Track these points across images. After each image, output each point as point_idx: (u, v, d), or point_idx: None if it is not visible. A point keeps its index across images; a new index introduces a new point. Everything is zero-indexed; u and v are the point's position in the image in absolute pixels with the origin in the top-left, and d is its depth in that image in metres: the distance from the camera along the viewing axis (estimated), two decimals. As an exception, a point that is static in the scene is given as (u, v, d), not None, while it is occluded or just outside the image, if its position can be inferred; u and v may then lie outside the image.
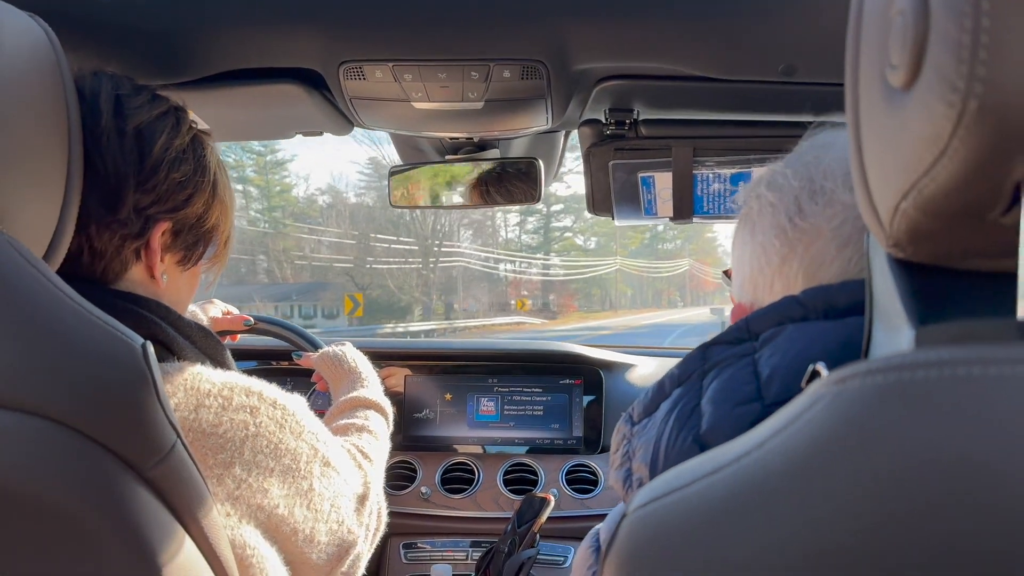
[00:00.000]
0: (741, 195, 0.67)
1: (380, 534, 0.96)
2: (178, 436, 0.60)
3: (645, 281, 64.15)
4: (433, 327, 27.52)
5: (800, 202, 0.60)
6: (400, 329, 23.34)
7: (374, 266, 34.50)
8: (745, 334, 0.56)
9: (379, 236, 36.26)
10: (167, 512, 0.60)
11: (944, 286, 0.38)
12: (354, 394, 1.13)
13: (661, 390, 0.58)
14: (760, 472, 0.32)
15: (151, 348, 0.59)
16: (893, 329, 0.39)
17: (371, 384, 1.19)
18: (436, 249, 38.14)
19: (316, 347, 1.41)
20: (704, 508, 0.33)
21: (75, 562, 0.55)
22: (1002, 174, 0.30)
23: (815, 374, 0.43)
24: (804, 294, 0.55)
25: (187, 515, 0.61)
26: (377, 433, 1.07)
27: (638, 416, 0.59)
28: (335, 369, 1.22)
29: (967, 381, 0.28)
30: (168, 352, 0.77)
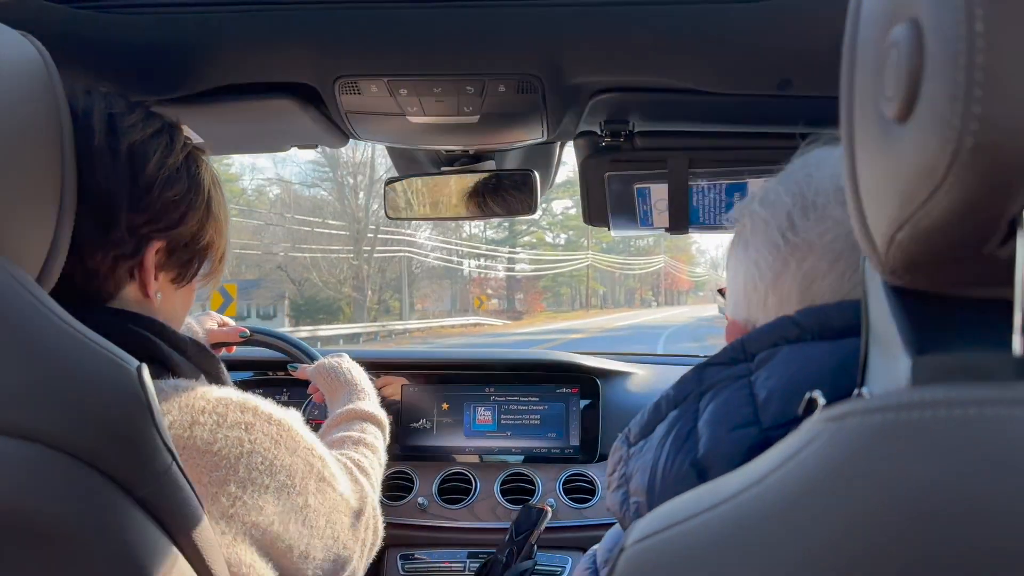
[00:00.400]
0: (735, 213, 0.67)
1: (376, 548, 0.96)
2: (173, 458, 0.60)
3: (618, 279, 61.57)
4: (359, 331, 21.92)
5: (792, 218, 0.60)
6: (322, 333, 18.78)
7: (291, 255, 28.62)
8: (740, 354, 0.56)
9: (300, 218, 30.06)
10: (162, 533, 0.59)
11: (941, 314, 0.38)
12: (350, 406, 1.13)
13: (657, 411, 0.58)
14: (758, 508, 0.32)
15: (146, 371, 0.59)
16: (889, 356, 0.39)
17: (368, 396, 1.19)
18: (371, 236, 30.81)
19: (312, 358, 1.41)
20: (703, 543, 0.33)
21: None
22: (998, 209, 0.30)
23: (812, 402, 0.43)
24: (800, 314, 0.55)
25: (182, 535, 0.61)
26: (374, 446, 1.07)
27: (635, 437, 0.59)
28: (331, 381, 1.22)
29: (965, 422, 0.28)
30: (163, 369, 0.77)
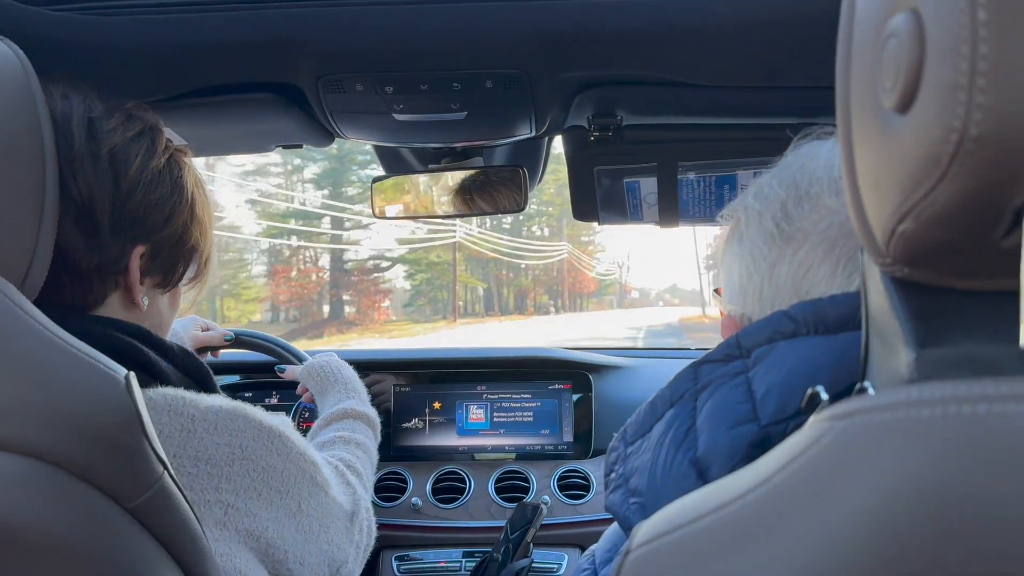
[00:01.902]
0: (728, 209, 0.67)
1: (370, 549, 0.96)
2: (165, 468, 0.59)
3: (505, 277, 44.08)
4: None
5: (787, 208, 0.60)
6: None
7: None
8: (736, 351, 0.55)
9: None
10: (156, 545, 0.58)
11: (943, 306, 0.37)
12: (341, 406, 1.12)
13: (654, 410, 0.57)
14: (765, 508, 0.31)
15: (135, 380, 0.57)
16: (891, 349, 0.39)
17: (358, 394, 1.18)
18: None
19: (300, 359, 1.40)
20: (710, 545, 0.33)
21: None
22: (1003, 199, 0.30)
23: (814, 397, 0.42)
24: (794, 309, 0.54)
25: (176, 546, 0.60)
26: (365, 445, 1.07)
27: (631, 436, 0.59)
28: (320, 381, 1.21)
29: (974, 419, 0.27)
30: (151, 377, 0.76)
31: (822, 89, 1.00)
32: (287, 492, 0.78)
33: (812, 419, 0.32)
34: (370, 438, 1.09)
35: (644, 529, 0.37)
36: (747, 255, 0.62)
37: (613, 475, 0.59)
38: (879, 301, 0.42)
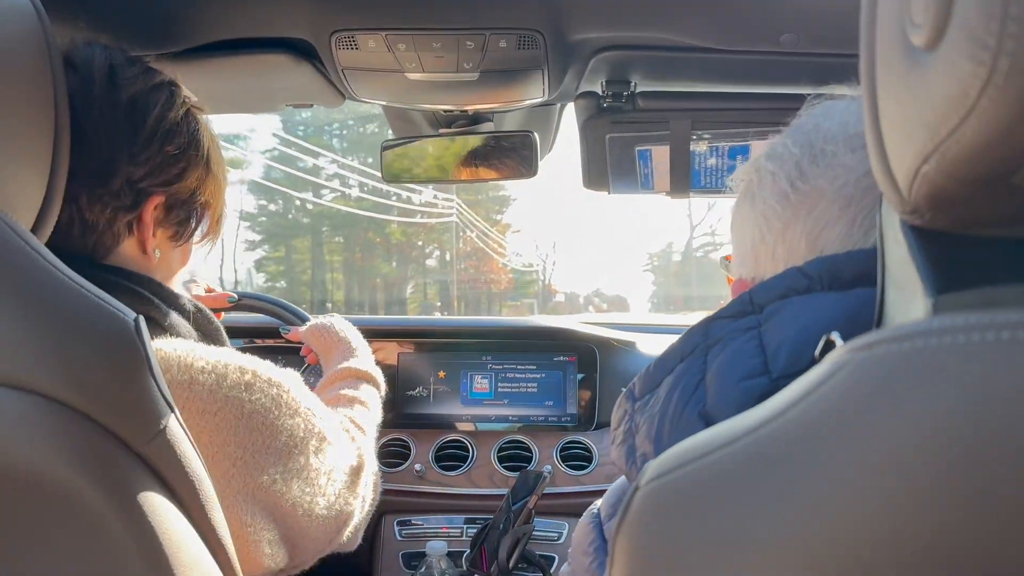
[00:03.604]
0: (740, 171, 0.66)
1: (375, 504, 0.97)
2: (173, 412, 0.59)
3: (358, 262, 29.14)
4: None
5: (801, 166, 0.59)
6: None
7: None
8: (749, 307, 0.55)
9: None
10: (163, 488, 0.59)
11: (962, 254, 0.37)
12: (345, 365, 1.12)
13: (663, 365, 0.57)
14: (780, 441, 0.31)
15: (144, 323, 0.58)
16: (908, 297, 0.38)
17: (362, 354, 1.18)
18: None
19: (303, 320, 1.40)
20: (721, 478, 0.32)
21: (70, 538, 0.54)
22: None
23: (829, 344, 0.42)
24: (809, 265, 0.54)
25: (182, 491, 0.60)
26: (369, 404, 1.07)
27: (640, 392, 0.58)
28: (325, 341, 1.21)
29: (994, 345, 0.27)
30: (160, 329, 0.76)
31: (837, 55, 0.99)
32: (294, 446, 0.78)
33: (829, 354, 0.32)
34: (374, 397, 1.10)
35: (652, 467, 0.37)
36: (760, 216, 0.62)
37: (620, 429, 0.59)
38: (897, 251, 0.42)
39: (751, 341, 0.52)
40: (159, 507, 0.58)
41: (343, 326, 1.23)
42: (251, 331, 1.78)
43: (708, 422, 0.51)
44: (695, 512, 0.33)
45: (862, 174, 0.55)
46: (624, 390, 0.61)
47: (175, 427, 0.59)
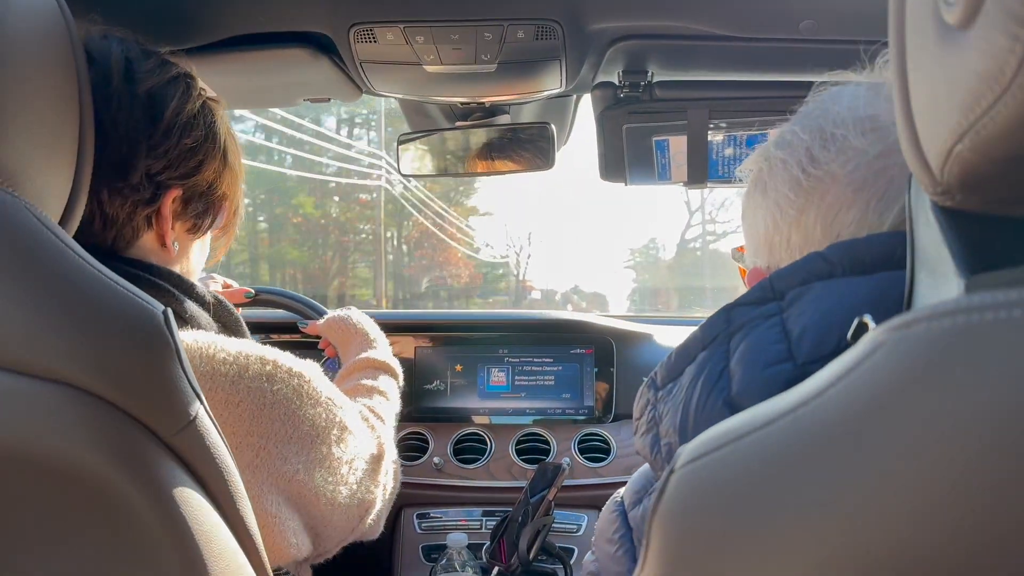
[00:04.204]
0: (749, 161, 0.66)
1: (395, 494, 0.98)
2: (201, 403, 0.59)
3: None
4: None
5: (812, 152, 0.59)
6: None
7: None
8: (770, 293, 0.55)
9: None
10: (193, 479, 0.59)
11: (994, 234, 0.36)
12: (363, 355, 1.13)
13: (685, 354, 0.57)
14: (820, 421, 0.31)
15: (171, 314, 0.58)
16: (940, 279, 0.38)
17: (380, 345, 1.19)
18: None
19: (321, 314, 1.41)
20: (760, 459, 0.32)
21: (103, 528, 0.55)
22: None
23: (862, 326, 0.42)
24: (829, 250, 0.54)
25: (212, 483, 0.61)
26: (388, 393, 1.08)
27: (662, 381, 0.58)
28: (343, 333, 1.22)
29: None
30: (181, 321, 0.76)
31: (862, 43, 0.98)
32: (316, 436, 0.79)
33: (866, 335, 0.32)
34: (392, 387, 1.10)
35: (688, 450, 0.37)
36: (772, 205, 0.61)
37: (643, 419, 0.59)
38: (928, 234, 0.41)
39: (773, 328, 0.52)
40: (190, 499, 0.58)
41: (360, 318, 1.24)
42: (268, 327, 1.79)
43: (734, 410, 0.51)
44: (733, 493, 0.33)
45: (874, 156, 0.55)
46: (646, 379, 0.61)
47: (204, 417, 0.60)
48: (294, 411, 0.77)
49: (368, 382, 1.06)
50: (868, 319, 0.41)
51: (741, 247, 0.71)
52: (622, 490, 0.71)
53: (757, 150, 0.66)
